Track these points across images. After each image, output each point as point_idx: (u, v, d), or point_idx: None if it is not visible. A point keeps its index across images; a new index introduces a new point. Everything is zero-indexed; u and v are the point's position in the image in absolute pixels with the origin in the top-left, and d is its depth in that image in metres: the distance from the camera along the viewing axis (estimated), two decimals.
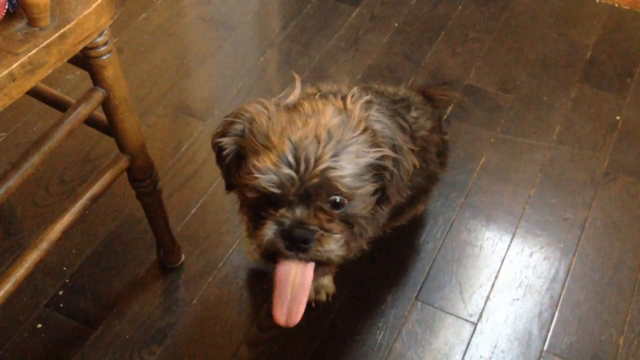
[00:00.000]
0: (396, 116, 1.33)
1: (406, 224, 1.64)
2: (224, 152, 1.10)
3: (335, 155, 1.00)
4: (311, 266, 1.09)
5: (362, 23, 2.20)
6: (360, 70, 2.05)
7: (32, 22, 0.96)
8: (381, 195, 1.12)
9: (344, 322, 1.52)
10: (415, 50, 2.12)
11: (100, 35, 1.09)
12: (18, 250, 1.59)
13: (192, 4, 2.26)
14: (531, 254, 1.65)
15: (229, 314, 1.52)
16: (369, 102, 1.11)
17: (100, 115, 1.31)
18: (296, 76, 1.16)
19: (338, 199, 1.02)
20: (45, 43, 0.94)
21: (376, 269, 1.61)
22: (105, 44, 1.13)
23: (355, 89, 1.14)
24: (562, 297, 1.57)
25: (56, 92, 1.35)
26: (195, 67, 2.04)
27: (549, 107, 1.98)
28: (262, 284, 1.57)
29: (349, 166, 1.01)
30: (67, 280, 1.55)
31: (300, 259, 1.07)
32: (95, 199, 1.26)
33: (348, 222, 1.07)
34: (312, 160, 0.99)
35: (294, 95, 1.12)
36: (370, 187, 1.06)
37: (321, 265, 1.10)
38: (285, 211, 1.02)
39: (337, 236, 1.04)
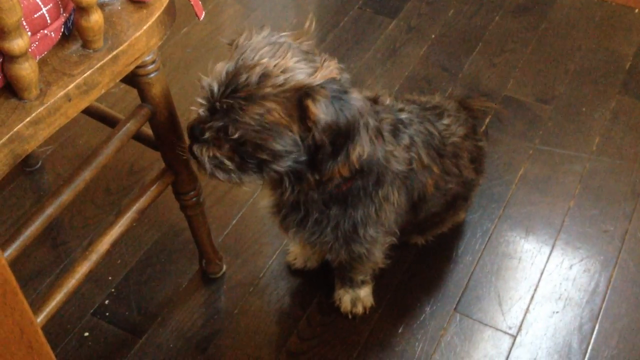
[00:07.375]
0: (425, 122, 1.39)
1: (447, 231, 1.66)
2: None
3: (246, 99, 1.07)
4: None
5: (399, 35, 2.22)
6: (397, 82, 2.07)
7: (86, 45, 1.00)
8: (311, 163, 1.15)
9: (383, 333, 1.53)
10: (453, 62, 2.13)
11: (148, 54, 1.13)
12: (65, 260, 1.64)
13: (231, 17, 2.30)
14: (571, 267, 1.64)
15: (270, 324, 1.55)
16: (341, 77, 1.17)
17: (147, 130, 1.35)
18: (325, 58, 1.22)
19: (230, 130, 1.10)
20: (99, 64, 0.98)
21: (415, 281, 1.62)
22: (153, 62, 1.17)
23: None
24: (602, 310, 1.56)
25: (105, 108, 1.40)
26: None
27: (588, 118, 1.97)
28: (302, 294, 1.60)
29: (252, 115, 1.07)
30: (113, 290, 1.60)
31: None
32: (141, 212, 1.30)
33: (239, 152, 1.13)
34: (230, 89, 1.08)
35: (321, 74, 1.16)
36: (274, 144, 1.10)
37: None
38: (201, 107, 1.13)
39: (217, 154, 1.13)
